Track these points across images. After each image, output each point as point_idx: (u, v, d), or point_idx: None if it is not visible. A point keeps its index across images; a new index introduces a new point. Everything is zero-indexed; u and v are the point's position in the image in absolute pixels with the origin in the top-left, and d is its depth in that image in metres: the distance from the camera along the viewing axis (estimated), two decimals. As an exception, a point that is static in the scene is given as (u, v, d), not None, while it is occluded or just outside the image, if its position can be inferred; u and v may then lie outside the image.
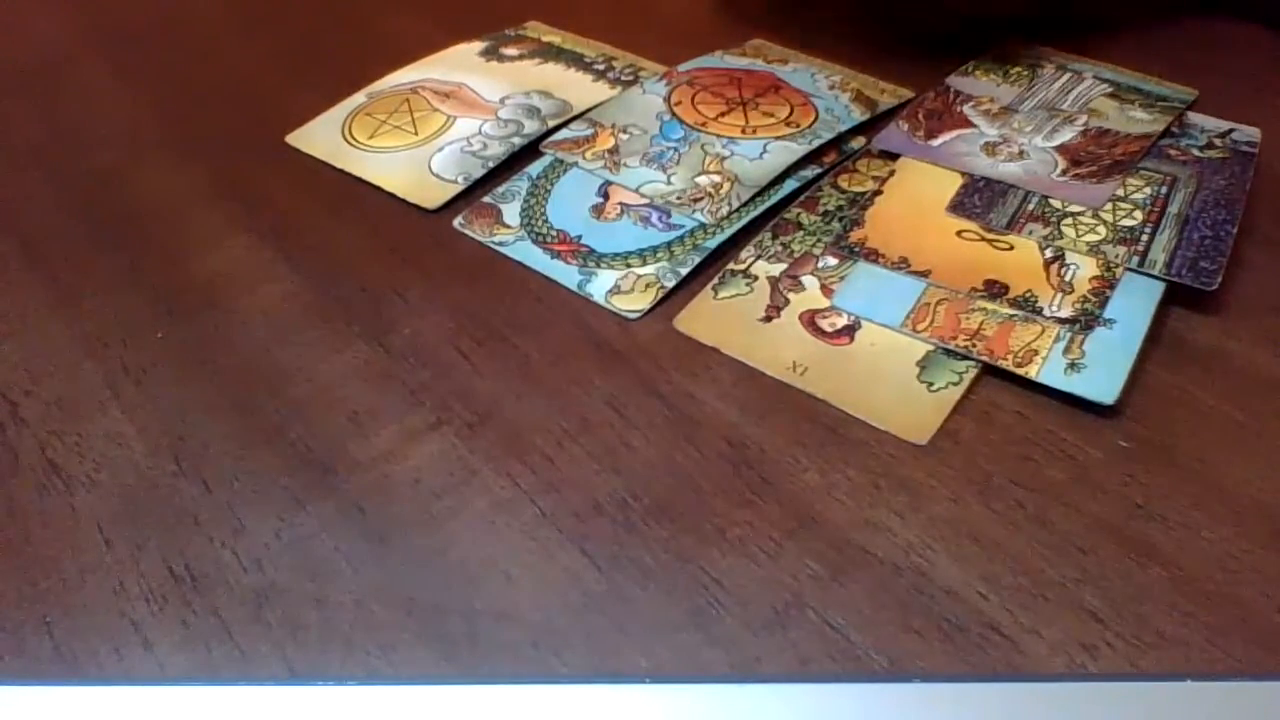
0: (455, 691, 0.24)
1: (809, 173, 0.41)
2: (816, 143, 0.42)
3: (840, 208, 0.39)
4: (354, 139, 0.45)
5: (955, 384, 0.32)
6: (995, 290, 0.34)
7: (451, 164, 0.43)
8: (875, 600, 0.26)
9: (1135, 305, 0.33)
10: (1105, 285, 0.34)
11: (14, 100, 0.50)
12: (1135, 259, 0.35)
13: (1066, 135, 0.41)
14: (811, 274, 0.36)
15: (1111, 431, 0.30)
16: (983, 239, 0.37)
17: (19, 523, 0.29)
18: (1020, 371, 0.32)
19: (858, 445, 0.30)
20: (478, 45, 0.52)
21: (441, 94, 0.47)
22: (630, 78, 0.48)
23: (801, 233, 0.38)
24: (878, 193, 0.39)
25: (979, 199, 0.38)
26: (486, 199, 0.41)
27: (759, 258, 0.37)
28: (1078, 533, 0.27)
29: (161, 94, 0.50)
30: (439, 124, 0.45)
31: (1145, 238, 0.36)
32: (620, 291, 0.36)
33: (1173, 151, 0.40)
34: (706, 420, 0.31)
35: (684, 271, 0.36)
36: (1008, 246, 0.36)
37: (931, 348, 0.33)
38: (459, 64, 0.50)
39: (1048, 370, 0.31)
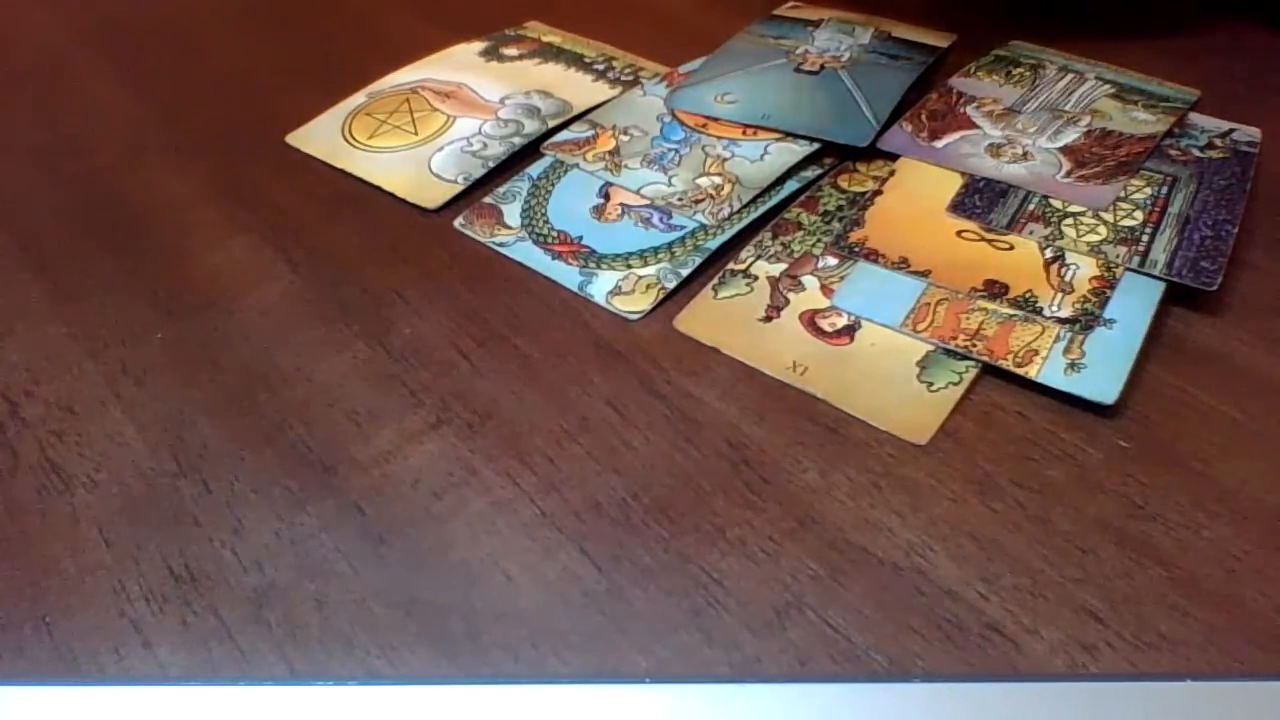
0: (455, 691, 0.24)
1: (810, 173, 0.41)
2: (818, 144, 0.42)
3: (840, 208, 0.39)
4: (354, 139, 0.45)
5: (955, 384, 0.32)
6: (995, 290, 0.34)
7: (451, 164, 0.43)
8: (875, 600, 0.26)
9: (1135, 305, 0.33)
10: (1105, 285, 0.34)
11: (14, 100, 0.50)
12: (1136, 259, 0.35)
13: (1070, 136, 0.41)
14: (811, 274, 0.36)
15: (1111, 431, 0.30)
16: (983, 239, 0.37)
17: (19, 523, 0.30)
18: (1020, 371, 0.31)
19: (858, 445, 0.30)
20: (478, 45, 0.52)
21: (441, 94, 0.47)
22: (630, 78, 0.48)
23: (801, 233, 0.38)
24: (878, 193, 0.39)
25: (979, 199, 0.38)
26: (487, 199, 0.41)
27: (759, 258, 0.37)
28: (1078, 533, 0.27)
29: (161, 94, 0.50)
30: (439, 124, 0.45)
31: (1146, 238, 0.36)
32: (621, 292, 0.36)
33: (1173, 151, 0.40)
34: (706, 420, 0.31)
35: (685, 272, 0.36)
36: (1008, 246, 0.36)
37: (931, 348, 0.33)
38: (459, 64, 0.50)
39: (1048, 370, 0.31)
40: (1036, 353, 0.32)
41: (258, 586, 0.27)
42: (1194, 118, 0.43)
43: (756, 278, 0.36)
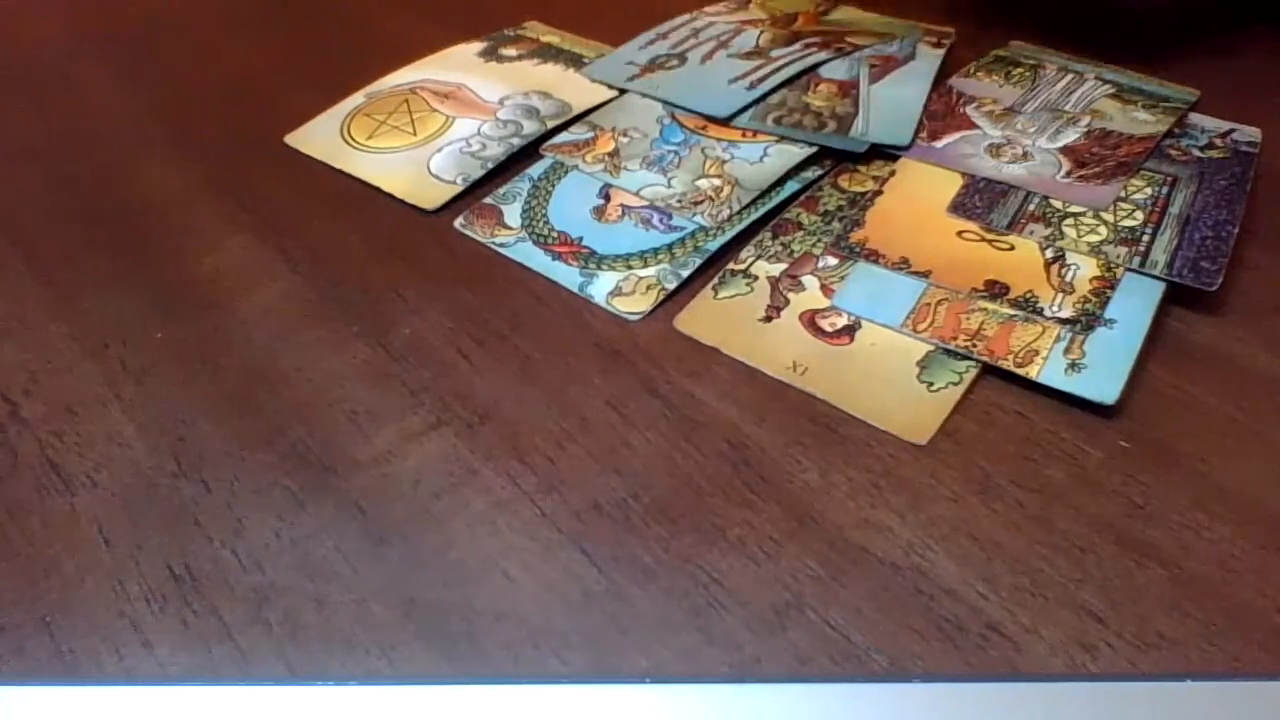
0: (455, 691, 0.24)
1: (810, 173, 0.41)
2: (817, 147, 0.42)
3: (840, 208, 0.39)
4: (353, 139, 0.45)
5: (955, 384, 0.32)
6: (996, 290, 0.34)
7: (450, 165, 0.43)
8: (875, 600, 0.26)
9: (1136, 305, 0.33)
10: (1106, 285, 0.34)
11: (14, 100, 0.50)
12: (1136, 259, 0.35)
13: (1070, 136, 0.41)
14: (812, 274, 0.36)
15: (1111, 431, 0.30)
16: (983, 239, 0.37)
17: (19, 523, 0.29)
18: (1021, 372, 0.31)
19: (858, 445, 0.30)
20: (477, 45, 0.52)
21: (440, 94, 0.47)
22: (630, 78, 0.48)
23: (802, 233, 0.38)
24: (878, 193, 0.39)
25: (980, 199, 0.38)
26: (488, 200, 0.41)
27: (759, 257, 0.37)
28: (1078, 533, 0.27)
29: (161, 94, 0.50)
30: (438, 124, 0.45)
31: (1146, 238, 0.36)
32: (621, 293, 0.36)
33: (1173, 151, 0.40)
34: (706, 420, 0.31)
35: (685, 274, 0.36)
36: (1008, 247, 0.36)
37: (932, 348, 0.33)
38: (458, 64, 0.50)
39: (1048, 371, 0.31)
40: (1037, 353, 0.32)
41: (258, 586, 0.27)
42: (1194, 118, 0.43)
43: (756, 278, 0.36)
